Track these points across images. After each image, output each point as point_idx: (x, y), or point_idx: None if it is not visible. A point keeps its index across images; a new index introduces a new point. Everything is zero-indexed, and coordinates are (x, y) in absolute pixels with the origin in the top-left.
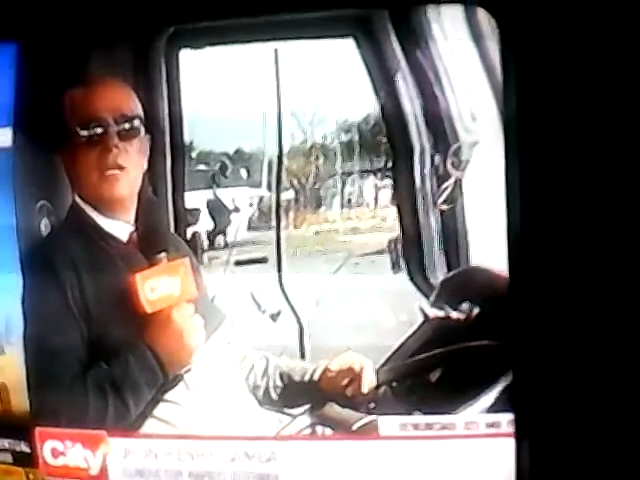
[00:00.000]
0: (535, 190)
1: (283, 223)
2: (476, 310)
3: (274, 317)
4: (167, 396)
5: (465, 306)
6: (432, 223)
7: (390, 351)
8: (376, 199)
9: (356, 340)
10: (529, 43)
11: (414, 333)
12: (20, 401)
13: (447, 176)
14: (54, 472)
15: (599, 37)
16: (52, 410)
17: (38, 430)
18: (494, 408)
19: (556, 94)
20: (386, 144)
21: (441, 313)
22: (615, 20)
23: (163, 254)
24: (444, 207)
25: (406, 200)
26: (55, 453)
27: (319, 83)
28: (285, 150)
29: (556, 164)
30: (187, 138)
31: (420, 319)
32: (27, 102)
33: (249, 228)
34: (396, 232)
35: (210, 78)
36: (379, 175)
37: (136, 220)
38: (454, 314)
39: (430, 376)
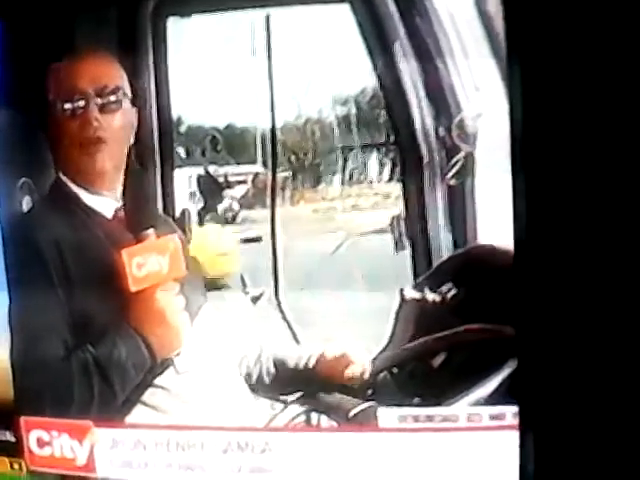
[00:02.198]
0: (541, 173)
1: (279, 201)
2: (452, 292)
3: (255, 300)
4: (156, 381)
5: (444, 288)
6: (439, 199)
7: (384, 338)
8: (380, 175)
9: (345, 328)
10: (534, 19)
11: (396, 316)
12: (5, 389)
13: (456, 150)
14: (40, 462)
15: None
16: (37, 395)
17: (23, 419)
18: (498, 399)
19: (564, 71)
20: (385, 117)
21: (417, 295)
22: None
23: (151, 230)
24: (453, 182)
25: (412, 175)
26: (41, 443)
27: (313, 52)
28: (279, 124)
29: (563, 148)
30: (175, 111)
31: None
32: (10, 76)
33: (242, 206)
34: (399, 209)
35: (198, 48)
36: (383, 150)
37: (123, 195)
38: (430, 296)
39: (431, 362)
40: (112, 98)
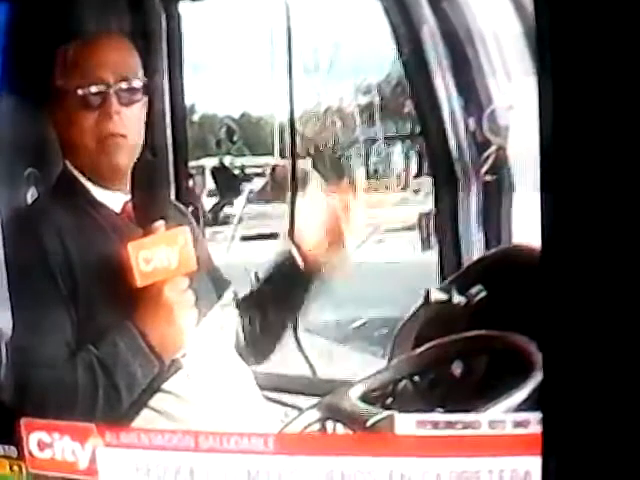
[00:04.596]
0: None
1: (300, 195)
2: (481, 295)
3: None
4: (164, 385)
5: (473, 291)
6: (472, 196)
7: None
8: (407, 169)
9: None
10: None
11: (411, 316)
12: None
13: (487, 143)
14: (40, 465)
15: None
16: (39, 398)
17: (24, 421)
18: (524, 406)
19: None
20: (411, 107)
21: (444, 297)
22: None
23: (161, 222)
24: (488, 178)
25: (442, 170)
26: (42, 445)
27: (334, 37)
28: (297, 113)
29: (594, 157)
30: (188, 100)
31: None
32: (18, 60)
33: (260, 200)
34: (429, 206)
35: (213, 33)
36: (408, 142)
37: (132, 188)
38: (457, 298)
39: (451, 370)
40: (132, 87)
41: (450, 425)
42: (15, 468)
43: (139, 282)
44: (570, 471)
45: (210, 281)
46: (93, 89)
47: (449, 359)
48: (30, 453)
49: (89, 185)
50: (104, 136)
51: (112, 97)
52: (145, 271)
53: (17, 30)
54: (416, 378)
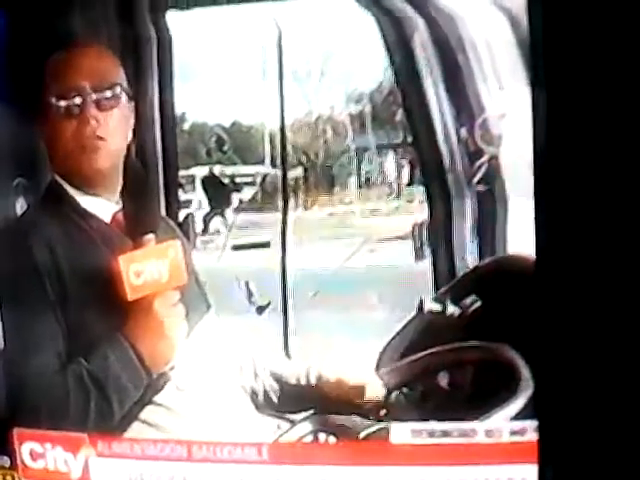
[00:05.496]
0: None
1: (291, 204)
2: (476, 305)
3: (261, 310)
4: (156, 398)
5: (467, 301)
6: (465, 206)
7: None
8: (399, 178)
9: (345, 339)
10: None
11: (404, 327)
12: None
13: (480, 152)
14: (33, 475)
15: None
16: (31, 409)
17: (16, 431)
18: (520, 414)
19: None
20: (402, 115)
21: (437, 307)
22: None
23: (151, 235)
24: (480, 188)
25: (435, 179)
26: (34, 455)
27: (325, 46)
28: (288, 122)
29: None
30: (178, 108)
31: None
32: (8, 71)
33: (251, 209)
34: (423, 215)
35: (203, 41)
36: (400, 151)
37: (122, 197)
38: (451, 309)
39: (438, 381)
40: (109, 94)
41: (446, 434)
42: (8, 478)
43: (130, 295)
44: (567, 479)
45: (200, 293)
46: (72, 98)
47: (434, 370)
48: (23, 463)
49: (76, 194)
50: (83, 140)
51: (90, 104)
52: (136, 284)
53: (7, 42)
54: (405, 390)
